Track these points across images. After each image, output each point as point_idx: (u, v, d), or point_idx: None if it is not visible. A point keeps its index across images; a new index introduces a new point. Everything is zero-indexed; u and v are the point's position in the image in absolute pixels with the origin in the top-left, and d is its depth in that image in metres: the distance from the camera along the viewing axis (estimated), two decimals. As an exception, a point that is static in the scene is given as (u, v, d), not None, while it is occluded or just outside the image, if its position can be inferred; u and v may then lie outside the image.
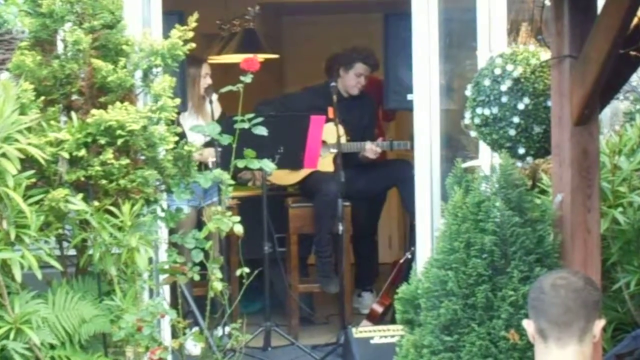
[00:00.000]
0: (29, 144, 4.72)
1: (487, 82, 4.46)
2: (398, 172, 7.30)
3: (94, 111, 5.03)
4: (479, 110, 4.48)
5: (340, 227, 6.79)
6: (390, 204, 8.61)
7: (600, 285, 3.82)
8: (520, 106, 4.38)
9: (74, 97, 5.23)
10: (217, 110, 6.92)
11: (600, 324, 3.24)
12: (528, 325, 3.28)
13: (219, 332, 5.99)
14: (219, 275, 5.41)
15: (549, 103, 4.33)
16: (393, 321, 5.47)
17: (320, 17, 10.19)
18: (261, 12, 8.71)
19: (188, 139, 5.81)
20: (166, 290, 5.68)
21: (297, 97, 7.68)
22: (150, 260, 5.13)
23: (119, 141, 5.01)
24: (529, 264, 4.15)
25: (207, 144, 6.60)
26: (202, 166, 6.07)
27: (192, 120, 6.77)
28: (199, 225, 5.56)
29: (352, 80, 7.45)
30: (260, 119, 5.61)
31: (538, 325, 3.22)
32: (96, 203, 5.04)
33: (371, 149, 7.33)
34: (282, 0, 9.92)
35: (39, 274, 4.71)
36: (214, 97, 6.86)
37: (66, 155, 5.01)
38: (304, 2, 9.94)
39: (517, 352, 4.09)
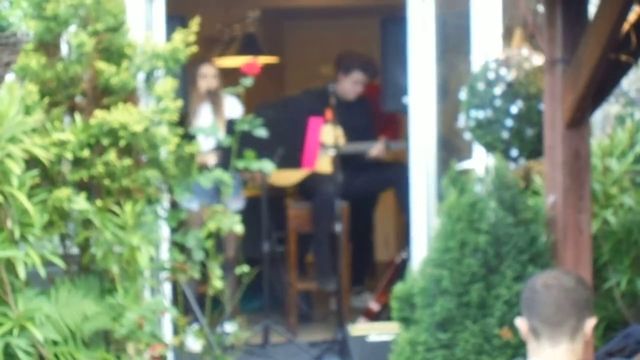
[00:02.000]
0: (34, 144, 4.75)
1: (481, 86, 4.50)
2: (394, 174, 7.32)
3: (97, 112, 5.05)
4: (473, 113, 4.52)
5: (338, 227, 6.85)
6: (387, 204, 8.65)
7: (591, 285, 3.86)
8: (514, 109, 4.42)
9: (78, 98, 5.25)
10: (232, 110, 6.93)
11: (591, 322, 3.21)
12: (521, 323, 3.30)
13: (219, 329, 6.04)
14: (219, 273, 5.47)
15: (542, 106, 4.38)
16: (389, 319, 5.52)
17: (319, 22, 10.19)
18: (262, 17, 8.75)
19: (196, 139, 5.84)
20: (168, 288, 5.74)
21: (297, 100, 7.73)
22: (151, 258, 5.16)
23: (122, 142, 5.04)
24: (521, 263, 4.20)
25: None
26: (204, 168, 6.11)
27: (208, 121, 6.81)
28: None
29: (348, 86, 7.50)
30: (260, 121, 5.68)
31: (530, 323, 3.22)
32: (99, 202, 5.07)
33: (379, 148, 7.40)
34: (282, 5, 9.93)
35: (42, 272, 4.74)
36: (231, 98, 6.89)
37: (70, 155, 5.03)
38: (304, 7, 9.95)
39: (510, 349, 4.15)
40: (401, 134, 8.03)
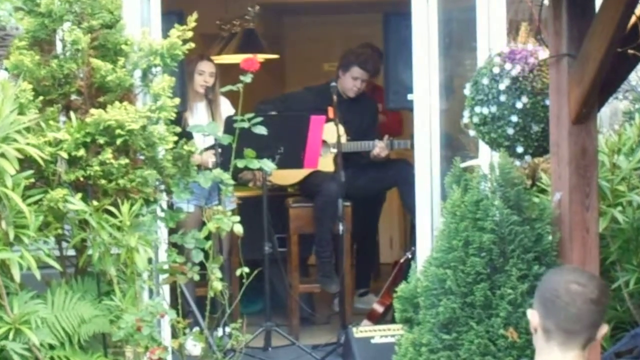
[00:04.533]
0: (28, 144, 4.73)
1: (485, 81, 4.46)
2: (398, 172, 7.28)
3: (93, 111, 5.02)
4: (477, 109, 4.48)
5: (341, 227, 6.79)
6: (391, 204, 8.59)
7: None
8: (519, 105, 4.38)
9: (73, 96, 5.22)
10: (225, 109, 6.89)
11: (603, 329, 3.17)
12: (532, 315, 3.19)
13: (219, 332, 5.98)
14: (219, 275, 5.41)
15: (547, 102, 4.33)
16: (393, 321, 5.47)
17: (320, 17, 10.19)
18: (261, 12, 8.71)
19: (194, 138, 5.79)
20: (166, 290, 5.68)
21: (298, 97, 7.66)
22: (149, 260, 5.12)
23: (118, 141, 5.00)
24: (527, 262, 4.16)
25: (210, 147, 6.57)
26: (202, 168, 6.05)
27: (204, 119, 6.75)
28: (203, 225, 5.55)
29: (348, 83, 7.45)
30: (260, 119, 5.60)
31: (544, 323, 3.13)
32: (95, 203, 5.02)
33: (381, 147, 7.32)
34: (282, 0, 9.92)
35: (37, 275, 4.71)
36: (222, 99, 6.83)
37: (65, 155, 5.00)
38: (304, 2, 9.94)
39: (516, 350, 4.10)
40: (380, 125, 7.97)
